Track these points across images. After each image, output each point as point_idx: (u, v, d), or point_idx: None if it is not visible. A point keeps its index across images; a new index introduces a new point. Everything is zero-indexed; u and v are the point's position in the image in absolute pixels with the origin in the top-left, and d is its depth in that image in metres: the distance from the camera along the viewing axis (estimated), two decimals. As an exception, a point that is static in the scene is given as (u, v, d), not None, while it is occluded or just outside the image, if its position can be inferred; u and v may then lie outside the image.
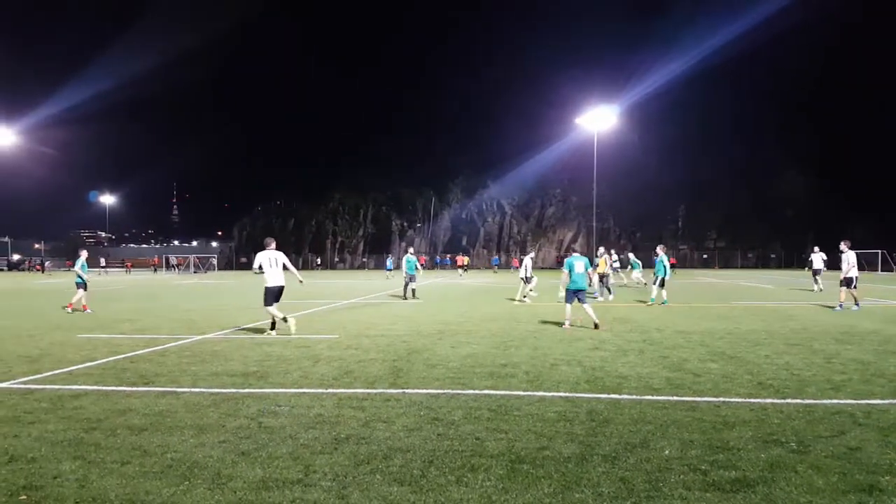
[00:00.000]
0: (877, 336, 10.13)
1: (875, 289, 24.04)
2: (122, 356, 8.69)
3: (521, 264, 19.68)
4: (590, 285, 15.81)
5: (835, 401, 5.78)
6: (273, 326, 11.07)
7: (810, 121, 73.58)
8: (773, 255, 64.22)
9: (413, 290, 19.57)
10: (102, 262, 68.22)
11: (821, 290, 21.39)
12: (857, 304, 14.79)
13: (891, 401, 5.75)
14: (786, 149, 71.14)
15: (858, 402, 5.73)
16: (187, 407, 5.74)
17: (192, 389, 6.49)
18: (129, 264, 70.49)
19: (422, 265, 50.03)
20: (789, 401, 5.79)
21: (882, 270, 46.55)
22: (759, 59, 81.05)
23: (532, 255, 20.75)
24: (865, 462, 4.11)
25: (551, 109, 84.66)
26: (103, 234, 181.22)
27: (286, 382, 6.79)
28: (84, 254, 17.10)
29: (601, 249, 20.19)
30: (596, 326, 11.27)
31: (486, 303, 17.98)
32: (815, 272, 22.63)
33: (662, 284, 16.49)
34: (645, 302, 17.09)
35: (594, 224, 68.03)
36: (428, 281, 35.04)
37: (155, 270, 67.50)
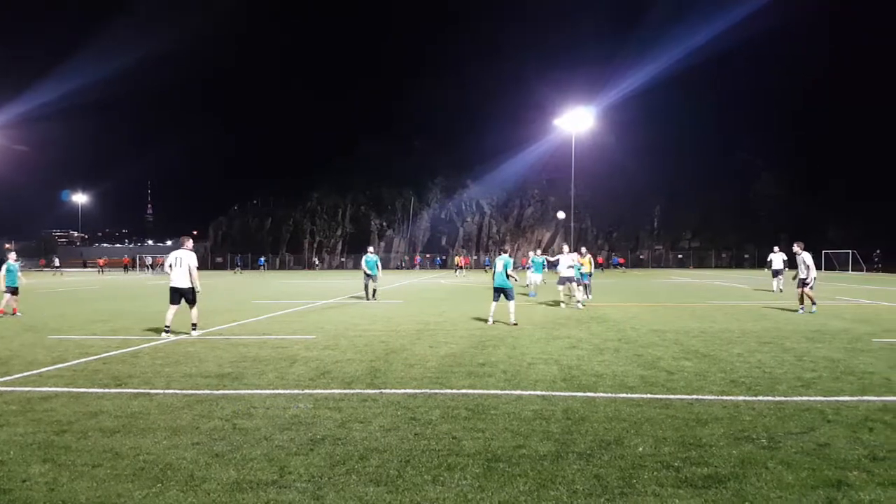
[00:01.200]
0: (846, 335, 10.36)
1: (845, 288, 24.60)
2: (94, 357, 8.54)
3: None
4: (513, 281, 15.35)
5: (805, 398, 5.90)
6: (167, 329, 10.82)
7: (784, 123, 75.14)
8: (746, 256, 65.25)
9: (374, 291, 18.86)
10: (56, 261, 66.51)
11: (780, 290, 21.25)
12: (814, 305, 14.22)
13: (859, 398, 5.89)
14: (760, 151, 72.50)
15: (828, 398, 5.85)
16: (160, 409, 5.67)
17: (166, 391, 6.41)
18: (101, 262, 68.85)
19: (465, 266, 49.74)
20: (761, 398, 5.90)
21: (852, 270, 47.60)
22: (734, 63, 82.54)
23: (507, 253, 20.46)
24: (834, 458, 4.20)
25: (530, 111, 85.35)
26: (76, 234, 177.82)
27: (261, 383, 6.73)
28: (12, 255, 16.34)
29: (583, 249, 20.35)
30: (515, 324, 11.74)
31: (465, 302, 18.01)
32: (775, 272, 22.55)
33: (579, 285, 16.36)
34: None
35: (572, 224, 68.63)
36: (407, 281, 34.98)
37: (126, 270, 66.14)
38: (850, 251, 48.55)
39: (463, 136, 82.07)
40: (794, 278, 15.12)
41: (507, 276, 12.09)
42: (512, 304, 12.08)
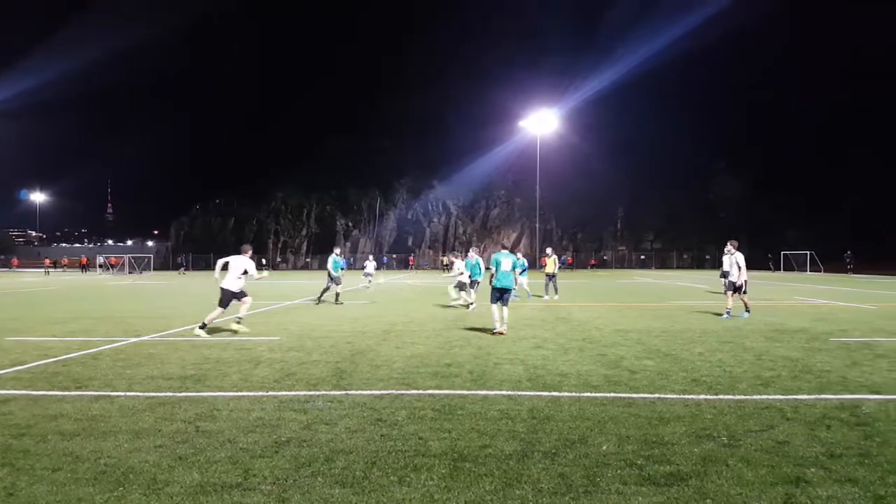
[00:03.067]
0: (804, 334, 10.67)
1: (804, 288, 25.42)
2: (54, 360, 8.28)
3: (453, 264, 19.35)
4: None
5: (764, 396, 6.06)
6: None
7: (744, 125, 77.24)
8: (707, 257, 66.75)
9: (337, 294, 17.89)
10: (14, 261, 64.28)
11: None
12: (746, 311, 13.49)
13: (817, 396, 6.07)
14: (720, 153, 74.32)
15: (787, 397, 6.03)
16: (122, 411, 5.54)
17: (127, 393, 6.26)
18: (64, 262, 66.38)
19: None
20: (721, 396, 6.05)
21: (810, 271, 49.13)
22: (694, 66, 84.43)
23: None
24: (793, 455, 4.32)
25: (496, 112, 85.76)
26: (34, 234, 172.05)
27: (225, 386, 6.61)
28: None
29: (549, 250, 20.52)
30: (501, 333, 10.49)
31: (432, 303, 18.00)
32: (724, 274, 22.67)
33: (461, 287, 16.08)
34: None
35: (537, 225, 69.32)
36: (375, 281, 34.77)
37: (84, 270, 63.98)
38: (808, 252, 50.12)
39: (429, 136, 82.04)
40: (721, 276, 15.19)
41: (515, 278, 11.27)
42: (506, 309, 10.83)
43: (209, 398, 6.06)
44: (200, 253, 74.83)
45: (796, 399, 5.94)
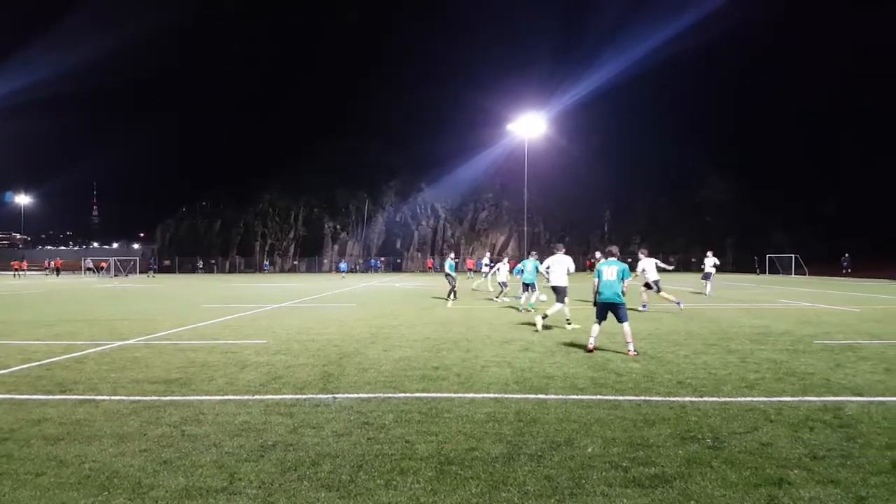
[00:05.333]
0: (789, 336, 10.78)
1: (787, 291, 25.67)
2: (37, 363, 8.19)
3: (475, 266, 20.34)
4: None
5: (749, 398, 6.12)
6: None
7: (731, 129, 78.04)
8: (693, 260, 67.28)
9: (455, 292, 20.18)
10: None
11: (707, 294, 21.86)
12: (644, 306, 15.83)
13: (800, 398, 6.13)
14: (707, 156, 74.97)
15: (771, 399, 6.09)
16: (106, 415, 5.50)
17: (112, 397, 6.21)
18: (58, 264, 65.16)
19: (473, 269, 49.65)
20: (706, 399, 6.10)
21: (795, 273, 49.61)
22: (681, 69, 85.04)
23: (507, 259, 19.22)
24: (776, 456, 4.36)
25: (485, 115, 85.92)
26: (18, 236, 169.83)
27: (210, 389, 6.57)
28: None
29: (598, 254, 20.57)
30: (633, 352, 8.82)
31: (421, 306, 17.99)
32: (706, 276, 23.11)
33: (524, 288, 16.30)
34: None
35: (525, 228, 69.46)
36: (362, 284, 34.70)
37: (58, 273, 62.56)
38: (793, 255, 50.61)
39: (418, 139, 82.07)
40: (703, 279, 18.96)
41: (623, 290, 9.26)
42: (627, 325, 9.01)
43: (195, 402, 6.02)
44: (186, 255, 74.31)
45: (780, 401, 6.00)
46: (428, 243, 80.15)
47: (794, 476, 3.99)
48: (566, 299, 11.84)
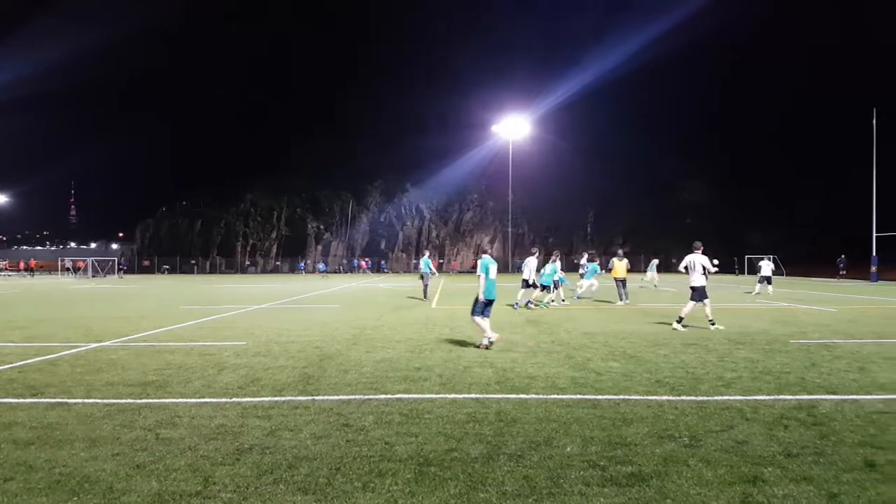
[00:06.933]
0: (766, 336, 10.92)
1: (765, 291, 25.98)
2: (9, 366, 8.02)
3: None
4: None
5: (725, 397, 6.18)
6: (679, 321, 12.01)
7: (710, 132, 79.04)
8: (674, 260, 67.97)
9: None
10: None
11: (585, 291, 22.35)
12: (544, 305, 17.09)
13: (776, 397, 6.21)
14: (688, 158, 75.88)
15: (747, 398, 6.15)
16: (79, 419, 5.39)
17: (85, 400, 6.09)
18: (32, 264, 63.81)
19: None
20: (684, 397, 6.15)
21: (773, 274, 50.14)
22: (663, 72, 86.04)
23: (536, 253, 17.81)
24: (751, 454, 4.41)
25: (470, 117, 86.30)
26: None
27: (187, 392, 6.49)
28: None
29: (621, 251, 20.58)
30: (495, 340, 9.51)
31: (404, 307, 17.95)
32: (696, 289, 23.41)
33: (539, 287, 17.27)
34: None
35: (510, 229, 69.71)
36: (346, 285, 34.56)
37: (32, 274, 61.19)
38: (770, 256, 51.26)
39: (403, 139, 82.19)
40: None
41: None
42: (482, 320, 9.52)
43: (170, 405, 5.93)
44: (166, 256, 73.47)
45: (756, 399, 6.07)
46: (413, 244, 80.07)
47: (769, 474, 4.03)
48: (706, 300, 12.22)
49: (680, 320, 12.02)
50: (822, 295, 23.37)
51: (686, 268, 12.61)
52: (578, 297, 20.45)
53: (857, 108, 43.57)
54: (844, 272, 41.06)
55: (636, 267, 68.53)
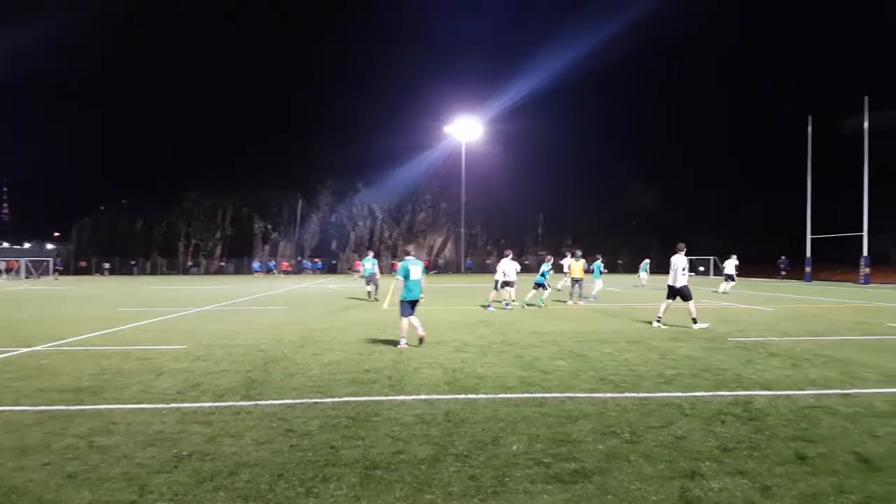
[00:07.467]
0: (706, 334, 11.31)
1: (707, 292, 26.93)
2: (-77, 375, 7.52)
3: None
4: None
5: (666, 394, 6.36)
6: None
7: (658, 135, 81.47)
8: (620, 262, 69.66)
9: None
10: None
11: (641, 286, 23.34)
12: (490, 305, 17.16)
13: (713, 393, 6.42)
14: (635, 162, 77.89)
15: (686, 394, 6.35)
16: (7, 427, 5.14)
17: (13, 408, 5.80)
18: None
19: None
20: (626, 394, 6.29)
21: (714, 275, 52.12)
22: (612, 77, 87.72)
23: (510, 255, 18.07)
24: (689, 449, 4.54)
25: (424, 117, 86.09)
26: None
27: (123, 398, 6.23)
28: None
29: (579, 252, 20.58)
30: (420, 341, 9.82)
31: (354, 308, 17.76)
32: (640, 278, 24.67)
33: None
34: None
35: (462, 230, 70.03)
36: (295, 286, 33.97)
37: None
38: (712, 258, 53.18)
39: (355, 139, 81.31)
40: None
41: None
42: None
43: (105, 411, 5.69)
44: (105, 256, 70.53)
45: (695, 396, 6.27)
46: (364, 244, 79.40)
47: (706, 468, 4.15)
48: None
49: (695, 321, 12.26)
50: (762, 295, 24.41)
51: (674, 269, 12.96)
52: (594, 299, 20.80)
53: (796, 113, 45.61)
54: (786, 272, 42.44)
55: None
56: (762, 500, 3.64)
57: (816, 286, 34.19)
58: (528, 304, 17.73)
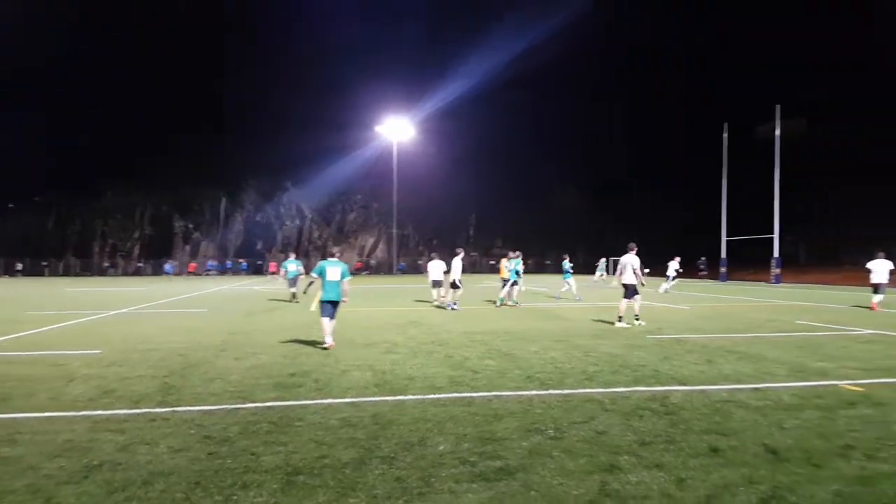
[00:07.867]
0: (627, 332, 11.78)
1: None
2: None
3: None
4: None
5: (588, 390, 6.56)
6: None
7: (584, 139, 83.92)
8: (548, 262, 71.39)
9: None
10: None
11: (564, 293, 23.21)
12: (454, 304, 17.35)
13: (632, 388, 6.67)
14: (563, 165, 79.97)
15: (607, 390, 6.57)
16: None
17: None
18: None
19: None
20: (551, 391, 6.45)
21: (677, 273, 53.94)
22: (539, 80, 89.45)
23: (461, 254, 18.11)
24: (609, 444, 4.69)
25: (354, 116, 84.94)
26: None
27: (30, 406, 5.84)
28: None
29: (511, 253, 20.37)
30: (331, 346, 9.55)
31: (279, 310, 17.35)
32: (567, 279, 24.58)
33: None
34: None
35: (394, 231, 69.80)
36: (216, 287, 32.84)
37: None
38: (676, 257, 55.10)
39: (283, 137, 79.15)
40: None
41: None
42: (334, 322, 9.76)
43: (9, 421, 5.32)
44: (13, 256, 65.83)
45: (614, 392, 6.50)
46: (292, 244, 77.67)
47: (624, 462, 4.31)
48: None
49: (620, 318, 12.83)
50: (681, 294, 25.63)
51: (622, 268, 13.31)
52: (579, 299, 21.49)
53: (716, 120, 47.85)
54: (705, 273, 44.16)
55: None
56: (677, 493, 3.78)
57: (731, 286, 36.20)
58: (502, 303, 18.32)
